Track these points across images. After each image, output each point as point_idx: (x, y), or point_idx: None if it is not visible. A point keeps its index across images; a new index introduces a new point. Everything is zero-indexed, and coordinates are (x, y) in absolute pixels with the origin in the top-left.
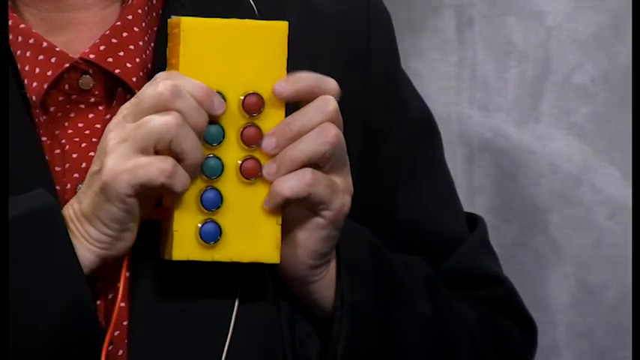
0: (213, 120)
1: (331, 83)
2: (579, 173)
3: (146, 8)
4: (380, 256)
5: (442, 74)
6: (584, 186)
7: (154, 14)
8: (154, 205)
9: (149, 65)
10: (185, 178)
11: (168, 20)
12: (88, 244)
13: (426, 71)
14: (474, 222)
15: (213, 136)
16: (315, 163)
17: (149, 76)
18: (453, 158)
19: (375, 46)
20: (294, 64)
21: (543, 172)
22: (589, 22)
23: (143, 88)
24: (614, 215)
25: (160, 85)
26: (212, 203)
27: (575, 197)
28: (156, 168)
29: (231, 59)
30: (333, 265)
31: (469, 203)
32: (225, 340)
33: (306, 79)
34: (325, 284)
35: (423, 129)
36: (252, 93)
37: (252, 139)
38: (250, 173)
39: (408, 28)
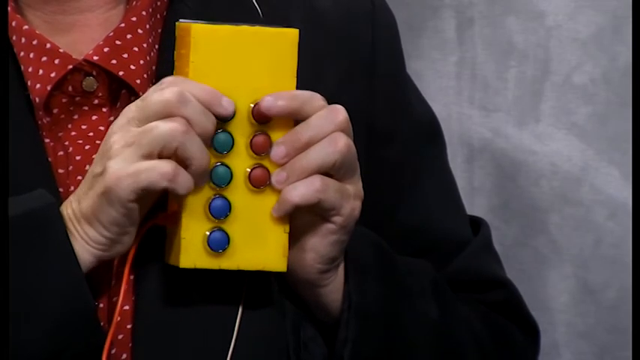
0: (223, 128)
1: (316, 102)
2: (579, 173)
3: (150, 10)
4: (387, 259)
5: (442, 74)
6: (584, 186)
7: (159, 16)
8: (159, 211)
9: (153, 67)
10: (188, 180)
11: (177, 24)
12: (87, 245)
13: (426, 71)
14: (477, 225)
15: (222, 144)
16: (326, 172)
17: (153, 78)
18: (453, 158)
19: (380, 49)
20: (299, 68)
21: (543, 172)
22: (589, 22)
23: (149, 93)
24: (614, 215)
25: (167, 91)
26: (220, 211)
27: (575, 197)
28: (157, 172)
29: (241, 66)
30: (341, 268)
31: (469, 203)
32: (230, 345)
33: (293, 97)
34: (334, 288)
35: (428, 133)
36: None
37: (261, 148)
38: (259, 182)
39: (408, 28)
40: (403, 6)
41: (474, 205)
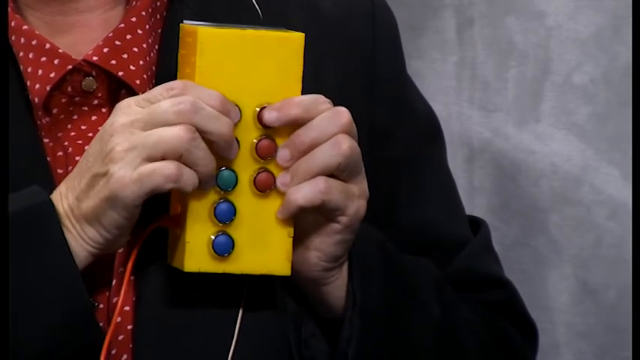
0: None
1: (320, 106)
2: (579, 173)
3: (150, 10)
4: (390, 257)
5: (442, 74)
6: (584, 186)
7: (158, 16)
8: (162, 212)
9: (153, 67)
10: (192, 176)
11: (181, 25)
12: (84, 243)
13: (426, 71)
14: (476, 225)
15: None
16: (330, 173)
17: (153, 78)
18: (453, 158)
19: (380, 49)
20: (303, 71)
21: (543, 172)
22: (589, 22)
23: (155, 94)
24: (614, 215)
25: (181, 100)
26: (225, 215)
27: (575, 197)
28: (161, 175)
29: (246, 71)
30: (345, 266)
31: (469, 203)
32: (231, 345)
33: (297, 105)
34: (338, 286)
35: (428, 133)
36: (268, 105)
37: (266, 152)
38: (264, 186)
39: (408, 28)
40: (403, 6)
41: (474, 205)
